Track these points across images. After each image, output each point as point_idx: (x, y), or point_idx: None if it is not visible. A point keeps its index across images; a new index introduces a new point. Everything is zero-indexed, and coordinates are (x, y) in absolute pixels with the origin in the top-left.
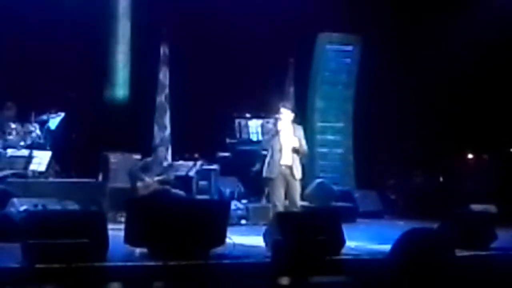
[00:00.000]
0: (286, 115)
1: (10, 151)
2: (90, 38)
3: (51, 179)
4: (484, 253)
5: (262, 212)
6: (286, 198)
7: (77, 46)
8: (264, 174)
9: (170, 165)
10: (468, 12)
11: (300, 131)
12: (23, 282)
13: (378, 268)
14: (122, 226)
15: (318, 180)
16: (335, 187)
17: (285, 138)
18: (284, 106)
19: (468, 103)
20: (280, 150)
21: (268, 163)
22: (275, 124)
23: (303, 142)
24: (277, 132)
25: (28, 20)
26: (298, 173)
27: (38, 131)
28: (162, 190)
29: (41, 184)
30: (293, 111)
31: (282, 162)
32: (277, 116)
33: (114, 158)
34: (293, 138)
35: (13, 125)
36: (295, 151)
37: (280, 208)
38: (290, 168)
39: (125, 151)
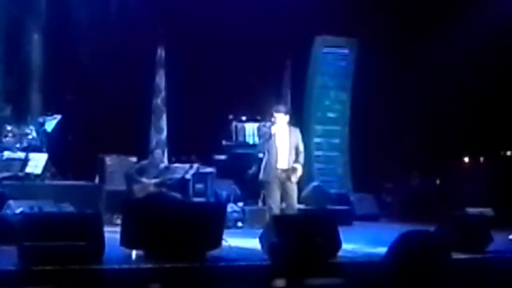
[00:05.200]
0: (280, 119)
1: (6, 154)
2: (86, 41)
3: (47, 182)
4: (480, 256)
5: (258, 215)
6: (282, 201)
7: (74, 49)
8: (260, 177)
9: (167, 168)
10: (465, 15)
11: (296, 133)
12: (19, 284)
13: (374, 270)
14: (119, 229)
15: (315, 183)
16: (331, 190)
17: (280, 141)
18: (277, 111)
19: (465, 106)
20: (276, 154)
21: (264, 167)
22: (270, 128)
23: (301, 145)
24: (271, 136)
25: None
26: (294, 176)
27: (34, 134)
28: (158, 193)
29: (37, 187)
30: (287, 113)
31: (278, 165)
32: (272, 119)
33: (110, 160)
34: (289, 141)
35: (9, 127)
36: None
37: (276, 211)
38: (286, 171)
39: (121, 154)
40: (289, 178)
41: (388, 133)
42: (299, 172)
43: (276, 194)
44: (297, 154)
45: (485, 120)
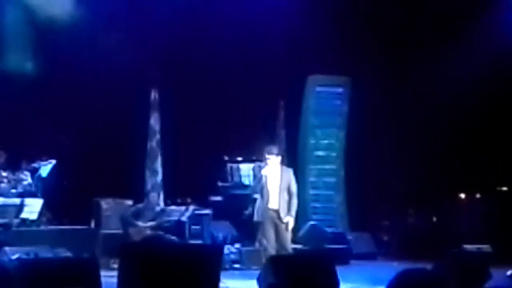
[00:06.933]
0: (272, 160)
1: (1, 200)
2: (79, 84)
3: (43, 227)
4: None
5: (255, 256)
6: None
7: (68, 93)
8: (255, 218)
9: (163, 210)
10: (458, 52)
11: (289, 173)
12: None
13: None
14: (116, 273)
15: (311, 223)
16: (328, 229)
17: (272, 182)
18: (269, 152)
19: (460, 143)
20: (267, 195)
21: (257, 208)
22: (260, 170)
23: (293, 185)
24: (261, 178)
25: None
26: (285, 216)
27: (29, 179)
28: (154, 236)
29: (33, 232)
30: (278, 154)
31: (270, 206)
32: (265, 160)
33: (106, 204)
34: (280, 181)
35: (4, 173)
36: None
37: (271, 251)
38: (277, 212)
39: (117, 197)
40: (279, 219)
41: (384, 171)
42: (291, 225)
43: (270, 234)
44: (289, 195)
45: (480, 156)
